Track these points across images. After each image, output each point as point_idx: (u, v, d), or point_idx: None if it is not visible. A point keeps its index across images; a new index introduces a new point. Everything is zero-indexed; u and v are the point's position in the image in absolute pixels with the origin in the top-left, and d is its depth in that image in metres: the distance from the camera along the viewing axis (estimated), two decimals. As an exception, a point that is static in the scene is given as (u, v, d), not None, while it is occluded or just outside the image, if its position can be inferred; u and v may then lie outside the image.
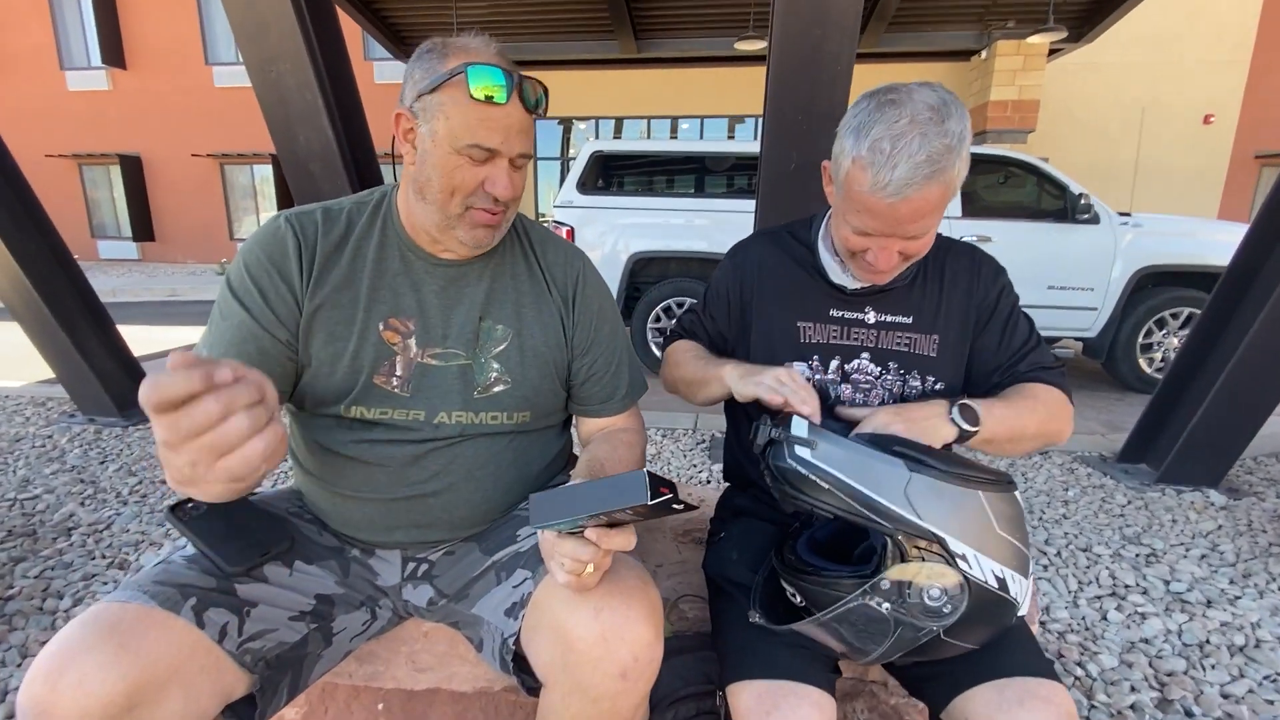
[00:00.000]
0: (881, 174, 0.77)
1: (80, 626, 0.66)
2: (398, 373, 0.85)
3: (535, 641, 0.76)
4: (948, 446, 0.86)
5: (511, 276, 0.93)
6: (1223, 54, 10.03)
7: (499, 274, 0.92)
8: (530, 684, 0.80)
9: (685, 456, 2.98)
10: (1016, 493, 0.73)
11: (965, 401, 0.85)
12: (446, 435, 0.88)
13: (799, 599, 0.74)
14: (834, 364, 0.97)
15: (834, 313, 0.98)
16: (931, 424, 0.82)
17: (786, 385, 0.83)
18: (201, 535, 0.79)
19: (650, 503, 0.57)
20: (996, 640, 0.74)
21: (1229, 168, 10.38)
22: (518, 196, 0.85)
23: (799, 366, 0.98)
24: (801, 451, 0.69)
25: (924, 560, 0.65)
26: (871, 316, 0.97)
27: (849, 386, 0.97)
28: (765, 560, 0.90)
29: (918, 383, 0.95)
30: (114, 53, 13.13)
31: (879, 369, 0.96)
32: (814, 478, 0.68)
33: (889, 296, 0.97)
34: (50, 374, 3.44)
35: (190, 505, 0.84)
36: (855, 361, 0.97)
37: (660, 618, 0.76)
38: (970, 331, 0.97)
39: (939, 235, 1.01)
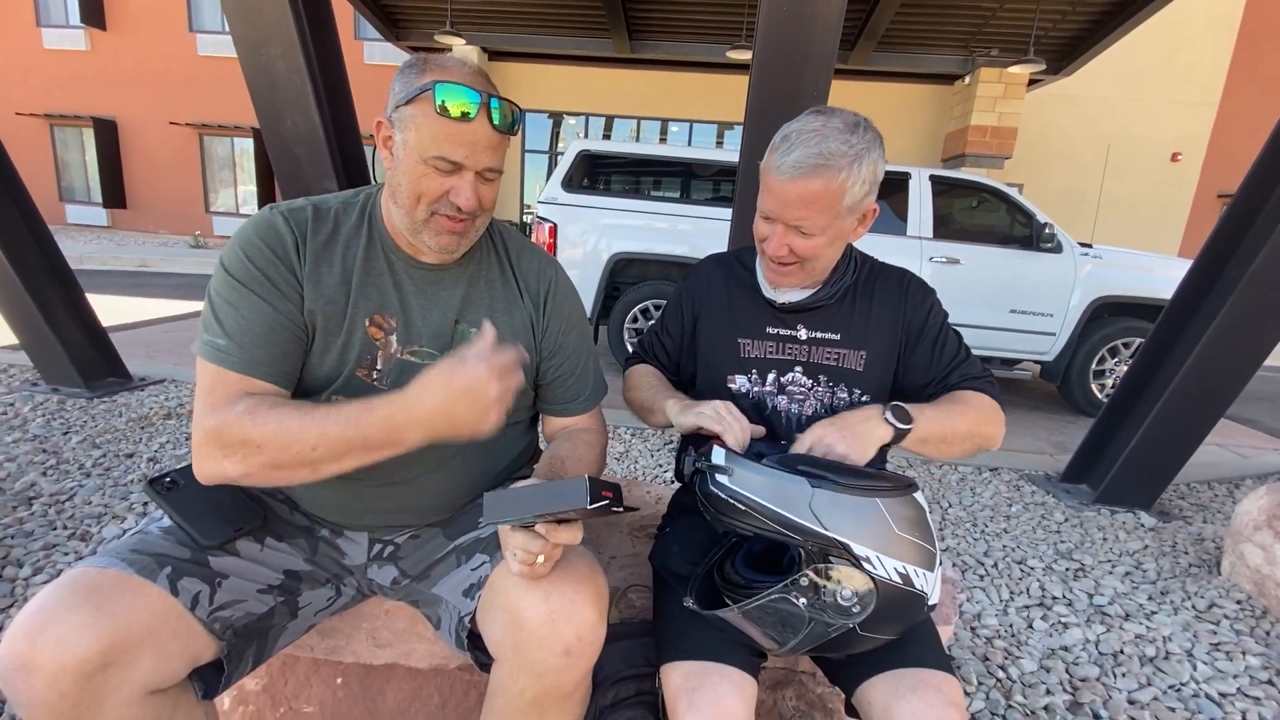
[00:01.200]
0: (781, 156, 0.91)
1: (59, 588, 0.71)
2: (379, 367, 0.90)
3: (489, 621, 0.83)
4: (885, 449, 0.95)
5: (486, 282, 0.98)
6: (1193, 95, 10.43)
7: (475, 279, 0.97)
8: (483, 660, 0.86)
9: (653, 456, 3.06)
10: (917, 494, 0.81)
11: (897, 403, 0.93)
12: None
13: (732, 608, 0.81)
14: (771, 377, 1.06)
15: (770, 330, 1.07)
16: (866, 427, 0.90)
17: (725, 418, 0.91)
18: (179, 509, 0.84)
19: (589, 506, 0.64)
20: (905, 636, 0.82)
21: (1193, 205, 10.80)
22: (486, 208, 0.89)
23: (739, 380, 1.07)
24: (721, 479, 0.77)
25: (833, 564, 0.74)
26: (803, 333, 1.06)
27: (785, 398, 1.06)
28: (706, 554, 0.98)
29: (845, 394, 1.05)
30: (94, 12, 12.75)
31: (810, 381, 1.06)
32: (733, 501, 0.75)
33: (819, 314, 1.06)
34: (13, 339, 3.38)
35: (169, 480, 0.89)
36: (790, 374, 1.06)
37: (605, 603, 0.83)
38: (897, 348, 1.06)
39: (871, 259, 1.11)
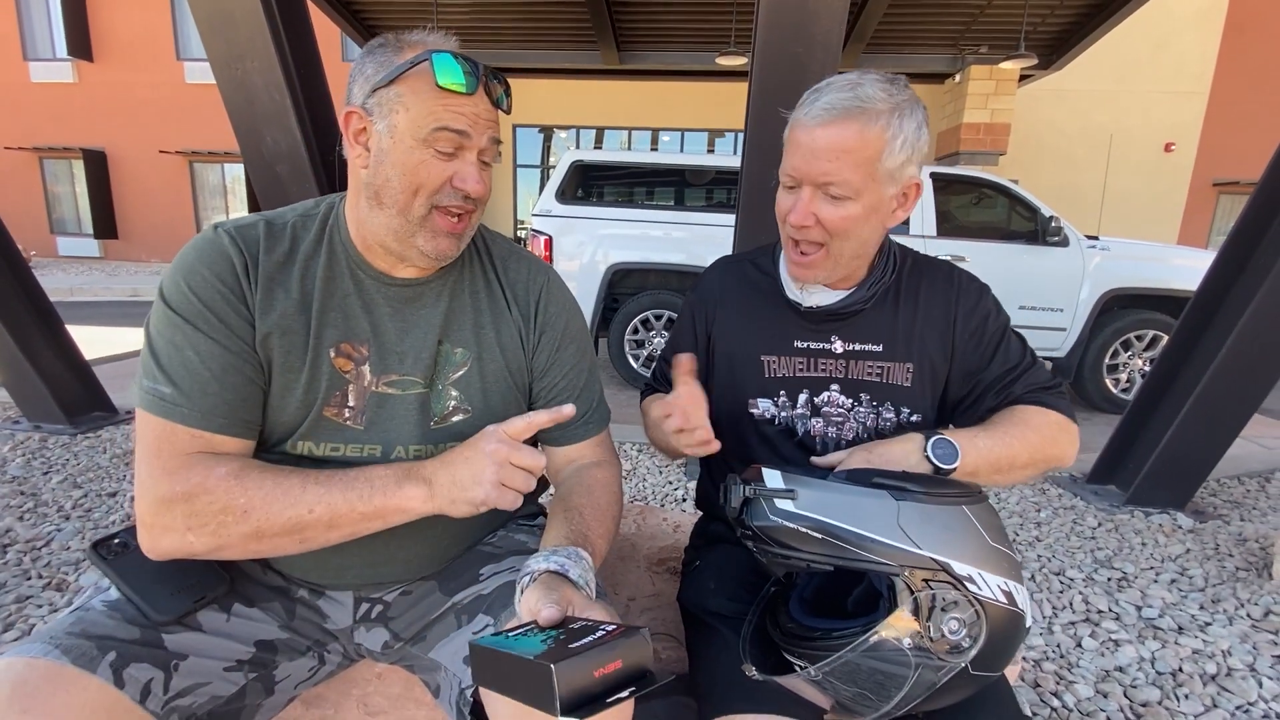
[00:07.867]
0: (809, 105, 0.82)
1: (-22, 686, 0.58)
2: (350, 403, 0.78)
3: (496, 696, 0.70)
4: None
5: (471, 295, 0.86)
6: (1184, 85, 10.42)
7: (458, 292, 0.85)
8: (490, 736, 0.74)
9: (661, 473, 2.93)
10: (989, 500, 0.71)
11: (942, 435, 0.80)
12: None
13: (809, 669, 0.68)
14: (802, 398, 0.93)
15: (799, 344, 0.93)
16: (906, 463, 0.79)
17: (691, 416, 0.81)
18: (127, 578, 0.72)
19: (559, 717, 0.49)
20: (978, 700, 0.69)
21: (1188, 194, 10.76)
22: (486, 196, 0.79)
23: (763, 404, 0.93)
24: (783, 505, 0.64)
25: (933, 591, 0.62)
26: (839, 346, 0.92)
27: (820, 420, 0.92)
28: (747, 588, 0.85)
29: (891, 414, 0.91)
30: (81, 44, 12.74)
31: (850, 400, 0.92)
32: (803, 529, 0.63)
33: (855, 322, 0.92)
34: (-6, 378, 3.26)
35: (117, 542, 0.77)
36: (825, 394, 0.92)
37: (632, 669, 0.70)
38: (948, 357, 0.92)
39: (912, 252, 0.97)
